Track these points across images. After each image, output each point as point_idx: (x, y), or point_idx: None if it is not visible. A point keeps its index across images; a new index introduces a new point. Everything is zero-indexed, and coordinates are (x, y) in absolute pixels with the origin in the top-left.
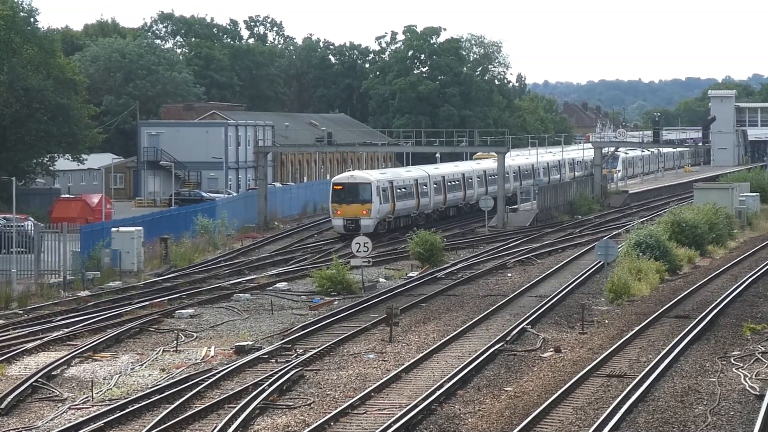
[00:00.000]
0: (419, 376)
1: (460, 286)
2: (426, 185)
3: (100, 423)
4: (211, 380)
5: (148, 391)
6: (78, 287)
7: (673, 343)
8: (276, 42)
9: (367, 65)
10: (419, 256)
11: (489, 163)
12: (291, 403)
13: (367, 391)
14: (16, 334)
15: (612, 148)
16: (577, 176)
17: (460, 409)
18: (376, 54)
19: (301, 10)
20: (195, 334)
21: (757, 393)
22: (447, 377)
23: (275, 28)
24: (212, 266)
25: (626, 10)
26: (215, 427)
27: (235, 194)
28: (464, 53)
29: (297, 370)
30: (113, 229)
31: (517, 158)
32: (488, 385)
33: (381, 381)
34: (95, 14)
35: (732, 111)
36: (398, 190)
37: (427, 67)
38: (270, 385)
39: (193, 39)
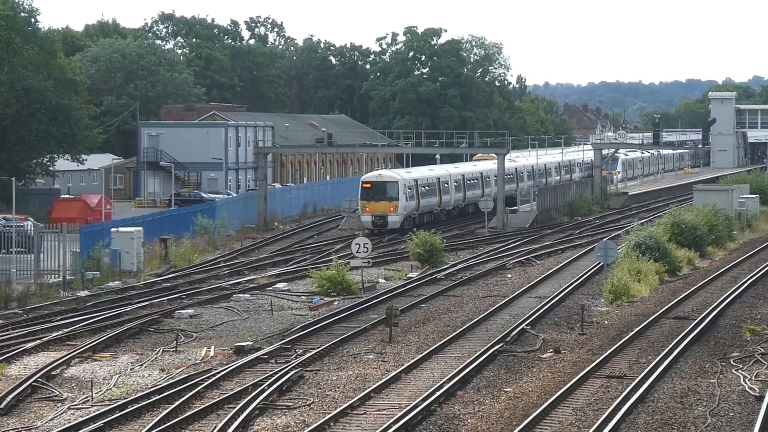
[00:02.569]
0: (419, 377)
1: (459, 287)
2: (447, 183)
3: (99, 423)
4: (210, 380)
5: (148, 391)
6: (78, 287)
7: (672, 344)
8: (277, 43)
9: (367, 66)
10: (419, 256)
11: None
12: (291, 404)
13: (366, 391)
14: (16, 334)
15: (612, 150)
16: (586, 176)
17: (459, 410)
18: (376, 55)
19: (301, 11)
20: (195, 335)
21: (757, 394)
22: (446, 378)
23: (276, 29)
24: (212, 266)
25: (626, 11)
26: (215, 427)
27: (234, 195)
28: (465, 54)
29: (297, 370)
30: (113, 230)
31: (531, 158)
32: (488, 386)
33: (380, 381)
34: (96, 15)
35: (732, 113)
36: (422, 188)
37: (427, 69)
38: (270, 385)
39: (194, 40)
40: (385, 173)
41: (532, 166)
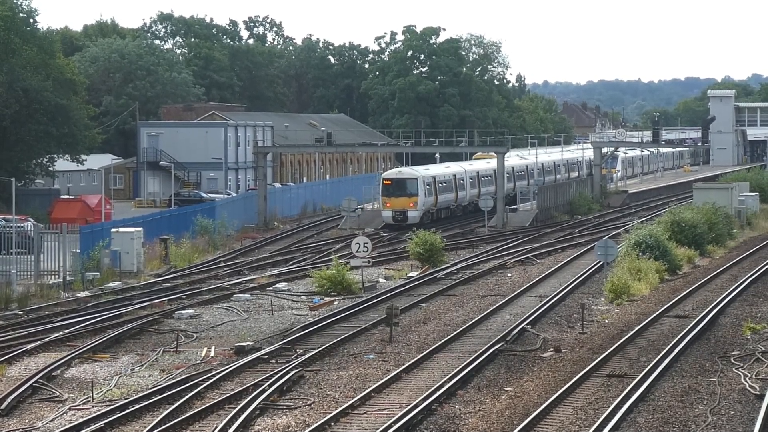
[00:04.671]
0: (419, 377)
1: (459, 286)
2: (463, 180)
3: (100, 424)
4: (211, 381)
5: (149, 391)
6: (78, 288)
7: (673, 342)
8: (275, 42)
9: (366, 65)
10: (419, 256)
11: (516, 160)
12: (291, 404)
13: (367, 391)
14: (16, 335)
15: (611, 148)
16: (590, 172)
17: (460, 409)
18: (375, 54)
19: (300, 10)
20: (195, 335)
21: (757, 393)
22: (447, 377)
23: (275, 29)
24: (212, 267)
25: (626, 10)
26: (215, 427)
27: (234, 195)
28: (464, 53)
29: (297, 370)
30: (113, 230)
31: (541, 156)
32: (488, 385)
33: (381, 381)
34: (95, 15)
35: (731, 111)
36: (440, 185)
37: (426, 68)
38: (270, 385)
39: (193, 39)
40: (405, 170)
41: (542, 163)
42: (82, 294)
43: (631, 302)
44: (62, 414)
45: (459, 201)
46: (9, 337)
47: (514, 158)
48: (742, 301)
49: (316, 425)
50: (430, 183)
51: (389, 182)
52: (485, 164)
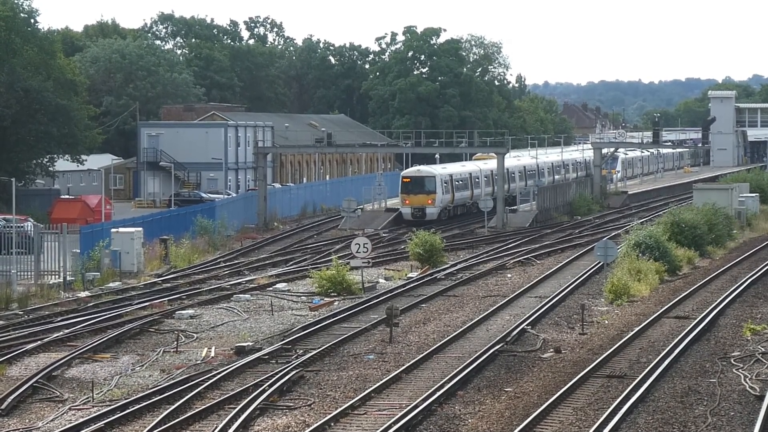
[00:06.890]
0: (419, 377)
1: (459, 287)
2: (478, 178)
3: (100, 424)
4: (211, 381)
5: (149, 391)
6: (78, 288)
7: (673, 343)
8: (276, 43)
9: (367, 66)
10: (419, 256)
11: (527, 160)
12: (291, 404)
13: (367, 391)
14: (17, 335)
15: (612, 149)
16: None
17: (460, 410)
18: (376, 55)
19: (301, 11)
20: (195, 335)
21: (757, 394)
22: (447, 378)
23: (275, 29)
24: (212, 267)
25: (626, 10)
26: (216, 427)
27: (234, 195)
28: (464, 54)
29: (297, 370)
30: (113, 230)
31: (551, 155)
32: (488, 386)
33: (381, 382)
34: (95, 15)
35: (732, 112)
36: (457, 183)
37: (426, 68)
38: (270, 385)
39: (193, 40)
40: (423, 169)
41: (552, 162)
42: (83, 294)
43: (631, 303)
44: (62, 414)
45: (474, 198)
46: (9, 337)
47: (526, 157)
48: (742, 302)
49: (316, 425)
50: (447, 181)
51: (408, 180)
52: None
